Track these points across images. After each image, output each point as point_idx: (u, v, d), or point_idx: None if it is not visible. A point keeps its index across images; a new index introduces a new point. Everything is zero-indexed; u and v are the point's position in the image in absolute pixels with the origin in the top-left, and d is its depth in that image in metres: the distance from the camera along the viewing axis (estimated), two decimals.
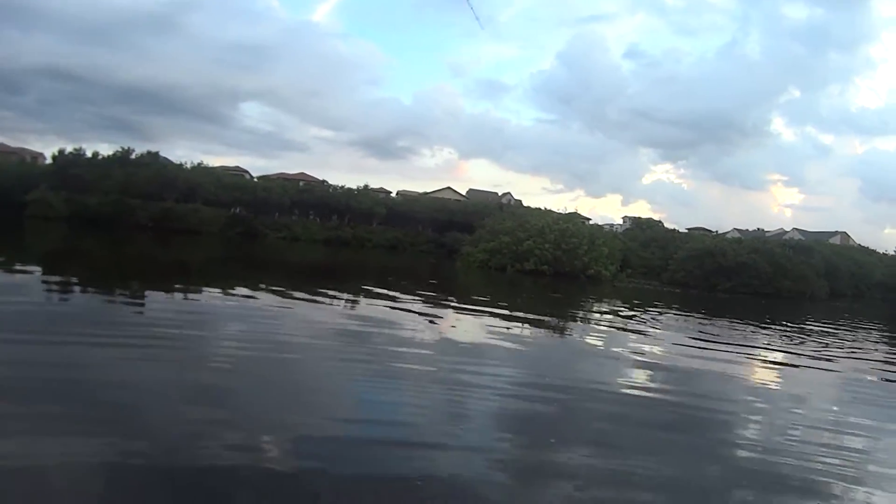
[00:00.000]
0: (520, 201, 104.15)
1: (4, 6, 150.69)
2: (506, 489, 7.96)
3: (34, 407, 8.68)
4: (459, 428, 10.16)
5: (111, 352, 12.58)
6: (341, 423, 9.86)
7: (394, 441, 9.14)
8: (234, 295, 24.24)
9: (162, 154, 79.89)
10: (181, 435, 8.42)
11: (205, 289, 26.09)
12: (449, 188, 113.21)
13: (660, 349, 20.76)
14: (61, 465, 7.00)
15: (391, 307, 24.57)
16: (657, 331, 25.51)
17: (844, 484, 9.02)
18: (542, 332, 23.36)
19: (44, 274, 26.40)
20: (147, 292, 23.39)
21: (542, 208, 79.26)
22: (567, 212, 74.80)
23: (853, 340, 29.82)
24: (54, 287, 22.75)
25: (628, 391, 14.19)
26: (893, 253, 77.76)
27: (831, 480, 9.09)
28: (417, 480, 7.77)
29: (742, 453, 10.17)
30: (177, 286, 26.26)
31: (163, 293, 23.51)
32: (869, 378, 19.61)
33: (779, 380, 18.40)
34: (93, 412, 8.85)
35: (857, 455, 10.70)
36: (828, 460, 10.04)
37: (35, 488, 6.50)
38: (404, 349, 16.32)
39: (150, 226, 65.20)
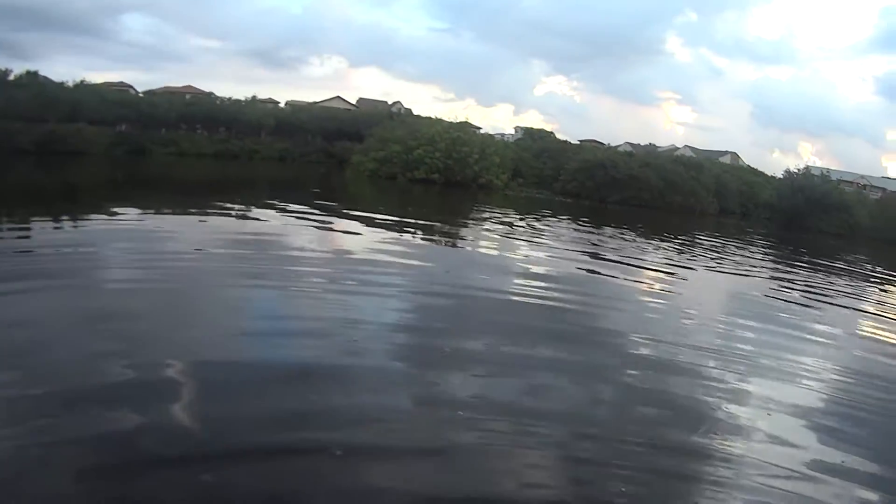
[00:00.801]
0: (410, 110, 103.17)
1: None
2: (404, 412, 8.33)
3: None
4: (354, 338, 10.42)
5: None
6: (238, 340, 10.20)
7: (290, 351, 9.73)
8: (123, 216, 23.90)
9: (42, 73, 76.42)
10: (73, 366, 8.43)
11: (93, 212, 25.39)
12: (338, 97, 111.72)
13: (550, 257, 21.32)
14: None
15: (282, 219, 25.16)
16: (548, 239, 26.00)
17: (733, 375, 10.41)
18: (433, 240, 23.61)
19: None
20: (31, 220, 22.66)
21: (433, 117, 78.09)
22: (458, 121, 73.44)
23: (740, 255, 30.79)
24: None
25: (519, 297, 15.04)
26: (781, 176, 79.15)
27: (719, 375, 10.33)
28: (313, 395, 8.21)
29: (633, 350, 11.28)
30: (63, 212, 25.47)
31: (49, 220, 22.97)
32: (754, 292, 20.76)
33: (668, 290, 19.41)
34: None
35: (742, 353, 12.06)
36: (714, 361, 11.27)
37: None
38: (296, 260, 16.83)
39: (32, 150, 61.60)
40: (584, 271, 19.20)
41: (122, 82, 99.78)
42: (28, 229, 20.65)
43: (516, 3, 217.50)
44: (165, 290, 13.20)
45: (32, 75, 73.60)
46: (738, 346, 12.83)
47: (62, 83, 75.66)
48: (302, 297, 13.45)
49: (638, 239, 31.68)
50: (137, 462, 6.46)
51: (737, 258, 28.39)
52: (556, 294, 15.44)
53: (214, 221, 24.31)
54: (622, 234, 32.73)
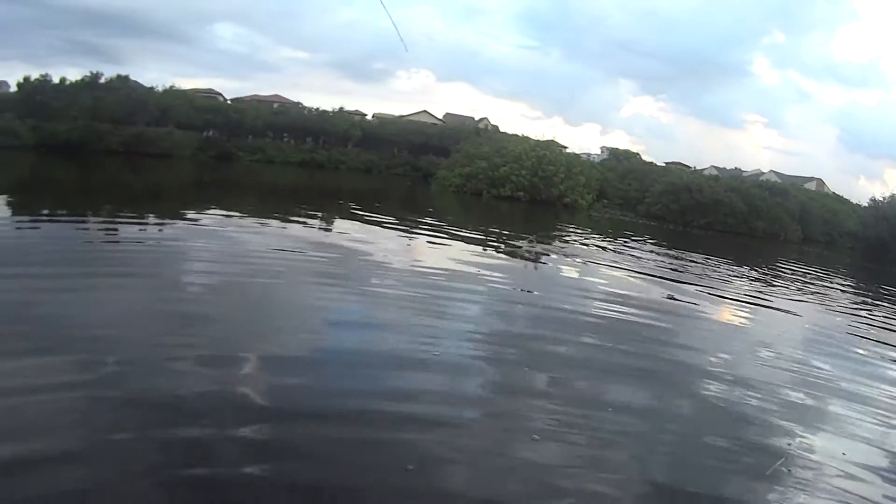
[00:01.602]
0: (497, 127, 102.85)
1: None
2: (479, 422, 8.12)
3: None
4: (433, 351, 10.19)
5: (81, 281, 12.58)
6: (315, 346, 10.05)
7: (368, 362, 9.44)
8: (207, 218, 24.22)
9: (132, 78, 78.02)
10: (152, 363, 8.44)
11: (178, 213, 25.86)
12: (425, 111, 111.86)
13: (630, 281, 20.79)
14: (26, 398, 6.97)
15: (365, 228, 25.01)
16: (630, 263, 25.44)
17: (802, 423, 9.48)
18: (516, 256, 23.26)
19: (10, 204, 25.74)
20: (118, 218, 23.05)
21: (520, 135, 77.81)
22: (545, 139, 73.74)
23: (823, 286, 29.63)
24: (21, 216, 22.43)
25: (598, 319, 14.40)
26: (866, 204, 76.98)
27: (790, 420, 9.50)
28: (386, 400, 8.11)
29: (710, 385, 10.57)
30: (149, 211, 25.88)
31: (135, 218, 23.35)
32: (836, 327, 19.57)
33: (747, 319, 18.54)
34: (62, 342, 8.82)
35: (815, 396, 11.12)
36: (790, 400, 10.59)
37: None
38: (375, 269, 16.71)
39: (120, 151, 63.69)
40: (664, 297, 18.68)
41: (210, 89, 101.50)
42: (115, 227, 20.95)
43: (602, 22, 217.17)
44: (244, 290, 13.36)
45: (123, 79, 74.89)
46: (814, 380, 12.36)
47: (152, 88, 77.33)
48: (379, 305, 13.26)
49: (720, 265, 30.95)
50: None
51: (818, 290, 27.54)
52: (632, 318, 14.86)
53: (298, 227, 24.44)
54: (705, 259, 32.01)
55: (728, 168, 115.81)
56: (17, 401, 6.87)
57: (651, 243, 37.15)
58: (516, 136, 77.08)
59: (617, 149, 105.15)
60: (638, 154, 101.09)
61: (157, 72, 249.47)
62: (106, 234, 19.08)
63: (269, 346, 9.72)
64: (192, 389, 7.73)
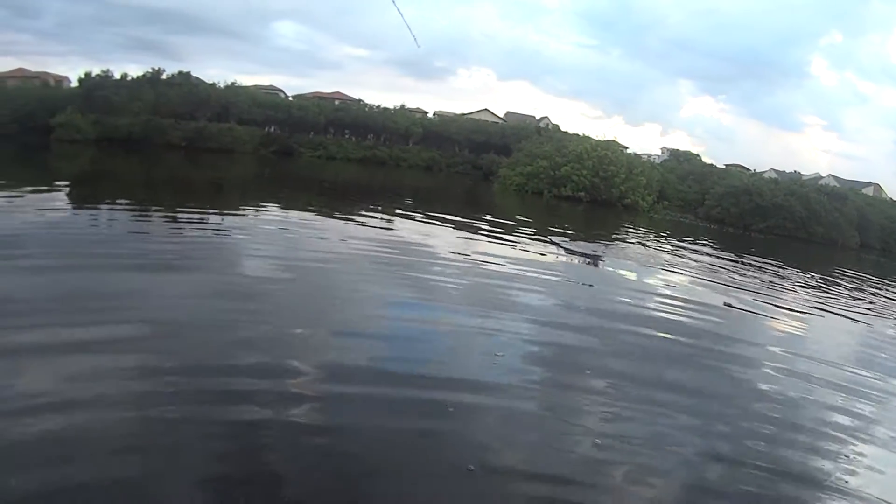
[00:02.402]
0: (557, 126, 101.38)
1: None
2: (538, 417, 8.25)
3: (63, 329, 8.82)
4: (495, 354, 10.19)
5: (142, 270, 12.95)
6: (371, 343, 9.97)
7: (424, 363, 9.37)
8: (268, 212, 24.80)
9: (194, 74, 78.23)
10: (210, 352, 8.73)
11: (239, 206, 26.39)
12: (486, 110, 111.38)
13: (688, 285, 20.59)
14: (90, 382, 7.30)
15: (427, 225, 24.93)
16: (688, 266, 25.10)
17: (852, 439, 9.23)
18: (575, 257, 22.92)
19: (73, 196, 26.20)
20: (180, 210, 23.47)
21: (581, 134, 77.05)
22: (605, 139, 72.74)
23: (880, 295, 29.02)
24: (84, 208, 22.91)
25: (653, 328, 13.91)
26: None
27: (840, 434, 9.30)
28: (448, 407, 8.01)
29: (758, 399, 10.31)
30: (211, 204, 26.41)
31: (196, 211, 23.60)
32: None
33: (803, 328, 18.07)
34: (125, 330, 9.05)
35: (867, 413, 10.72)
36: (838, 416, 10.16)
37: (66, 404, 6.74)
38: (437, 269, 16.55)
39: (182, 146, 64.78)
40: (720, 304, 18.38)
41: (272, 86, 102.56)
42: (177, 218, 21.48)
43: (662, 21, 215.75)
44: (302, 282, 13.58)
45: (185, 75, 75.52)
46: (867, 391, 12.04)
47: (213, 84, 77.39)
48: (440, 298, 13.50)
49: (779, 270, 30.48)
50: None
51: (876, 300, 26.94)
52: (688, 322, 14.69)
53: (359, 222, 24.66)
54: (763, 264, 31.51)
55: (787, 171, 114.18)
56: (81, 373, 7.40)
57: (710, 247, 36.79)
58: (577, 135, 76.46)
59: (677, 150, 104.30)
60: (698, 155, 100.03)
61: (218, 68, 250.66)
62: (168, 225, 19.64)
63: (323, 332, 10.09)
64: (247, 364, 8.24)
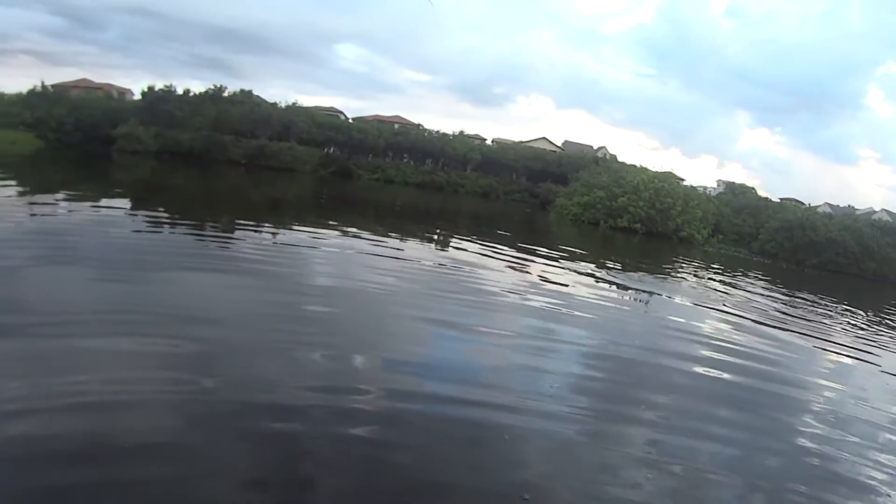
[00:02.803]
0: (615, 156, 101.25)
1: None
2: (592, 449, 8.21)
3: (120, 339, 9.04)
4: (547, 386, 10.06)
5: (198, 284, 13.23)
6: (425, 368, 9.95)
7: (480, 390, 9.31)
8: (324, 232, 24.65)
9: (255, 93, 79.91)
10: (260, 371, 8.74)
11: (296, 224, 26.66)
12: (544, 138, 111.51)
13: (740, 321, 20.20)
14: (141, 392, 7.42)
15: (483, 252, 24.77)
16: (740, 302, 24.71)
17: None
18: (629, 293, 22.67)
19: (133, 207, 26.64)
20: (237, 225, 23.96)
21: (638, 165, 77.16)
22: (662, 170, 72.89)
23: None
24: (143, 219, 23.12)
25: (705, 366, 13.71)
26: None
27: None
28: (504, 434, 7.95)
29: (802, 441, 10.09)
30: (268, 221, 26.73)
31: (253, 227, 24.03)
32: None
33: (853, 369, 17.64)
34: (177, 343, 9.13)
35: None
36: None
37: (121, 413, 6.83)
38: (491, 296, 16.45)
39: (242, 162, 65.93)
40: (770, 342, 17.92)
41: (332, 107, 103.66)
42: (234, 233, 21.81)
43: (720, 50, 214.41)
44: (356, 304, 13.59)
45: (247, 94, 76.87)
46: None
47: (275, 103, 78.77)
48: (495, 329, 13.28)
49: (831, 308, 29.88)
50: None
51: None
52: (738, 361, 14.23)
53: (415, 247, 24.74)
54: (815, 301, 30.92)
55: (841, 205, 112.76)
56: (127, 376, 7.58)
57: (763, 282, 36.20)
58: (634, 166, 76.47)
59: (733, 182, 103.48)
60: (753, 188, 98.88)
61: (279, 88, 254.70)
62: (224, 241, 19.84)
63: (379, 351, 10.16)
64: (298, 383, 8.24)
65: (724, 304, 22.94)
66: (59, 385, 7.22)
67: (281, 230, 24.37)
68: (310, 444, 6.91)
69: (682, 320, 18.67)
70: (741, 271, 40.54)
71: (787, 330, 20.60)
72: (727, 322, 19.68)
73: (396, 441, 7.33)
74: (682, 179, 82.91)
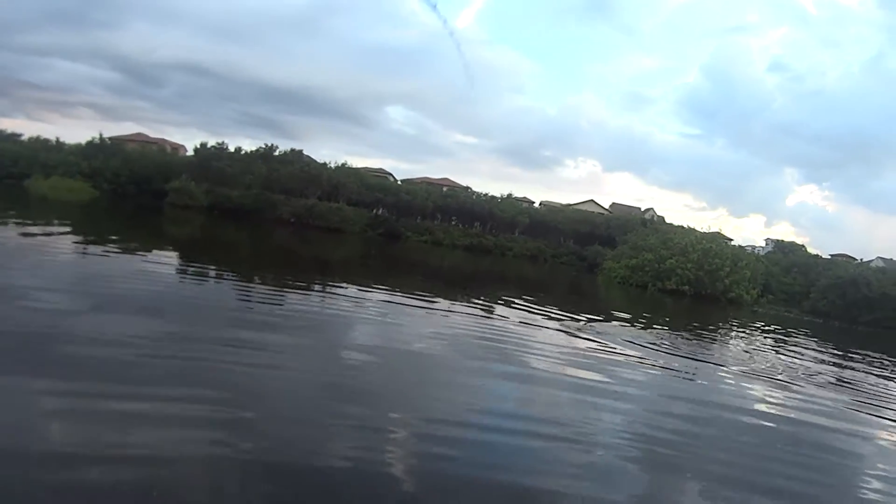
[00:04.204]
0: (662, 218, 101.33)
1: (138, 1, 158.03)
2: None
3: (160, 390, 9.04)
4: (597, 453, 9.81)
5: (240, 343, 12.95)
6: (464, 434, 9.65)
7: (520, 463, 8.92)
8: (371, 293, 24.67)
9: (306, 153, 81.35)
10: (302, 430, 8.65)
11: (343, 285, 26.43)
12: (592, 201, 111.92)
13: (789, 397, 19.30)
14: (180, 450, 7.21)
15: (529, 316, 24.42)
16: (792, 366, 23.96)
17: None
18: (676, 360, 22.10)
19: (182, 260, 27.08)
20: (285, 283, 24.09)
21: (685, 226, 77.23)
22: (710, 231, 73.10)
23: None
24: (191, 273, 23.65)
25: (754, 436, 12.91)
26: None
27: None
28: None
29: None
30: (315, 280, 27.12)
31: (301, 285, 24.30)
32: None
33: None
34: (218, 400, 9.06)
35: None
36: None
37: (160, 473, 6.62)
38: (535, 362, 16.03)
39: (291, 221, 66.74)
40: (824, 408, 16.94)
41: (381, 169, 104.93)
42: (281, 292, 21.73)
43: (767, 106, 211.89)
44: (399, 366, 13.48)
45: (297, 153, 78.38)
46: None
47: (325, 163, 79.86)
48: (535, 391, 13.20)
49: (886, 369, 29.04)
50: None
51: None
52: (789, 429, 13.46)
53: (461, 310, 24.47)
54: (870, 362, 29.97)
55: (895, 259, 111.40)
56: (165, 441, 7.38)
57: (815, 343, 35.16)
58: (682, 227, 76.70)
59: (782, 241, 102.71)
60: (803, 246, 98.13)
61: (329, 148, 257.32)
62: (272, 299, 19.87)
63: (422, 420, 9.86)
64: (338, 455, 7.98)
65: (773, 370, 22.20)
66: (105, 436, 7.27)
67: (328, 290, 24.55)
68: None
69: (730, 388, 17.98)
70: (791, 333, 39.75)
71: (843, 392, 19.80)
72: (777, 389, 18.80)
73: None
74: (730, 240, 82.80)
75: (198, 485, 6.59)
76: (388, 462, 7.97)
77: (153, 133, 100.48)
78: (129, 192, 67.48)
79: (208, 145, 74.64)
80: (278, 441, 8.01)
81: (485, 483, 7.91)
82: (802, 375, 21.46)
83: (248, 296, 20.07)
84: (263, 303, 18.78)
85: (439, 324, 19.91)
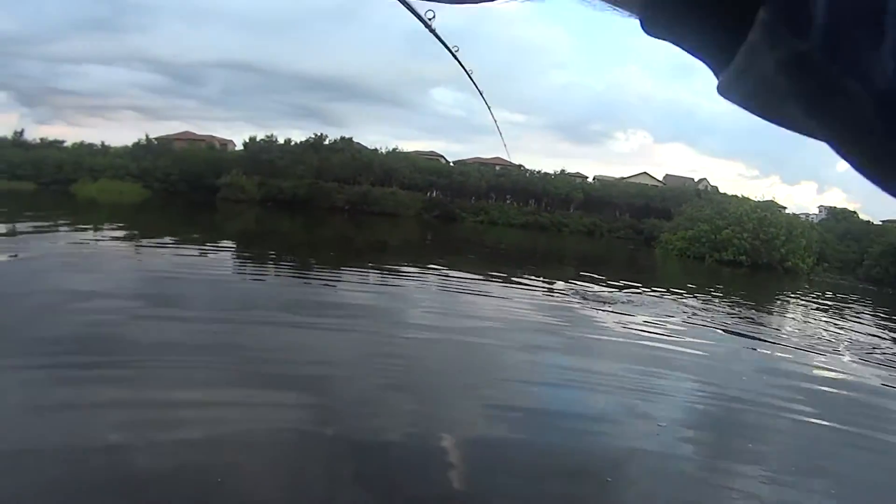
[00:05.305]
0: (716, 187, 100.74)
1: (169, 3, 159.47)
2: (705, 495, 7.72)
3: (219, 380, 9.33)
4: (658, 424, 9.83)
5: (302, 326, 13.32)
6: (522, 416, 9.62)
7: (582, 431, 9.10)
8: (430, 275, 24.97)
9: (355, 140, 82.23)
10: (361, 412, 8.70)
11: (401, 268, 26.67)
12: (645, 173, 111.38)
13: (848, 362, 18.82)
14: (242, 432, 7.47)
15: (587, 295, 23.93)
16: (848, 339, 23.39)
17: None
18: (736, 334, 21.63)
19: (238, 251, 27.82)
20: (343, 270, 24.31)
21: (740, 195, 76.32)
22: (764, 199, 72.46)
23: None
24: (248, 264, 24.20)
25: (816, 411, 12.94)
26: None
27: None
28: (607, 477, 7.58)
29: None
30: (372, 265, 27.26)
31: (359, 271, 24.42)
32: None
33: None
34: (273, 389, 9.24)
35: None
36: None
37: (219, 454, 6.89)
38: (596, 337, 16.31)
39: (346, 208, 67.68)
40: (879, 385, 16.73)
41: (432, 151, 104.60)
42: (339, 277, 22.24)
43: None
44: (459, 347, 13.46)
45: (347, 141, 79.17)
46: None
47: (375, 149, 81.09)
48: (599, 370, 12.93)
49: None
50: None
51: None
52: (845, 404, 13.80)
53: (521, 288, 24.35)
54: None
55: None
56: (232, 430, 7.57)
57: (868, 313, 34.25)
58: (736, 196, 75.94)
59: (835, 208, 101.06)
60: (855, 212, 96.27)
61: (378, 134, 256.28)
62: (330, 285, 20.23)
63: (480, 400, 9.92)
64: (398, 433, 8.12)
65: (830, 343, 21.49)
66: (162, 421, 7.52)
67: (386, 274, 24.64)
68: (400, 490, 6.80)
69: (787, 363, 17.54)
70: (846, 302, 39.15)
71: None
72: (833, 363, 18.21)
73: (493, 488, 7.10)
74: (784, 208, 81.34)
75: (259, 468, 6.81)
76: (447, 439, 8.11)
77: (199, 130, 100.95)
78: (180, 191, 68.22)
79: (257, 139, 75.94)
80: (341, 420, 8.27)
81: (548, 451, 8.10)
82: (868, 352, 20.57)
83: (306, 283, 20.49)
84: (322, 289, 19.18)
85: (499, 304, 19.88)
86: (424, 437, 8.00)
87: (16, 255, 19.86)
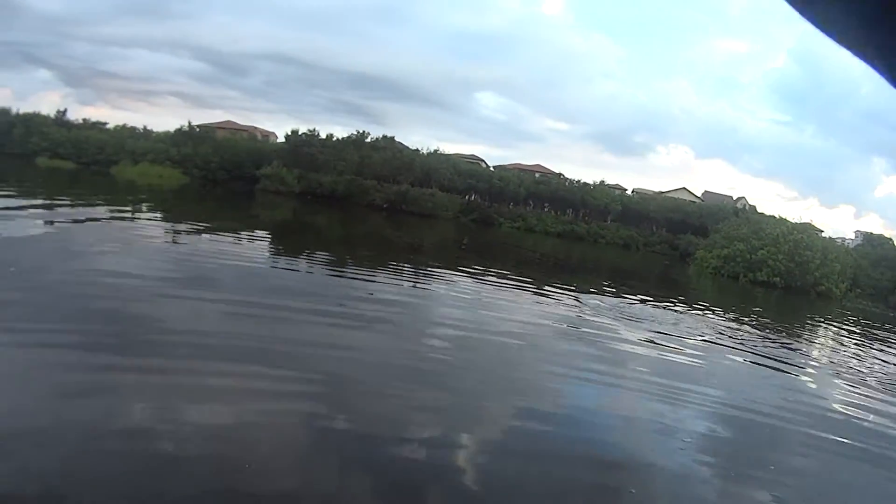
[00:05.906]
0: (754, 207, 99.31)
1: None
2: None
3: (248, 368, 9.39)
4: (683, 440, 9.82)
5: (330, 322, 13.42)
6: (546, 426, 9.55)
7: (604, 443, 9.12)
8: (463, 277, 25.03)
9: (397, 139, 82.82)
10: (382, 413, 8.73)
11: (436, 269, 26.98)
12: (684, 188, 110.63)
13: (869, 400, 18.62)
14: (265, 426, 7.58)
15: (620, 307, 24.02)
16: (872, 376, 23.18)
17: None
18: (765, 358, 21.30)
19: (276, 242, 28.30)
20: (376, 267, 24.52)
21: (777, 216, 76.09)
22: (801, 221, 72.35)
23: None
24: (283, 256, 24.47)
25: (839, 435, 12.85)
26: None
27: None
28: (631, 489, 7.55)
29: None
30: (409, 264, 27.57)
31: (394, 269, 24.84)
32: None
33: None
34: (301, 379, 9.37)
35: None
36: None
37: (239, 446, 6.94)
38: (623, 350, 16.22)
39: (384, 207, 67.92)
40: None
41: (473, 155, 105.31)
42: (373, 274, 22.34)
43: (854, 92, 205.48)
44: (485, 352, 13.52)
45: (389, 140, 79.88)
46: None
47: (417, 150, 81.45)
48: (624, 383, 12.95)
49: None
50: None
51: None
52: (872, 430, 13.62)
53: (553, 297, 24.14)
54: None
55: None
56: (252, 420, 7.71)
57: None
58: (773, 217, 75.46)
59: (871, 233, 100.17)
60: (891, 239, 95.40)
61: (420, 135, 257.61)
62: (363, 282, 20.22)
63: (505, 407, 9.92)
64: (421, 426, 8.35)
65: (858, 371, 21.28)
66: (187, 408, 7.64)
67: (418, 274, 24.82)
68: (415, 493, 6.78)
69: (815, 388, 17.39)
70: (876, 329, 38.56)
71: None
72: (861, 391, 18.16)
73: (512, 496, 7.07)
74: (821, 231, 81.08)
75: (287, 457, 6.89)
76: (469, 440, 8.25)
77: (242, 121, 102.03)
78: (219, 179, 68.97)
79: (299, 132, 75.96)
80: (366, 416, 8.37)
81: (569, 462, 8.08)
82: (879, 379, 20.39)
83: (337, 278, 20.60)
84: (353, 286, 19.16)
85: (532, 311, 20.05)
86: (442, 440, 8.10)
87: (53, 231, 20.48)
